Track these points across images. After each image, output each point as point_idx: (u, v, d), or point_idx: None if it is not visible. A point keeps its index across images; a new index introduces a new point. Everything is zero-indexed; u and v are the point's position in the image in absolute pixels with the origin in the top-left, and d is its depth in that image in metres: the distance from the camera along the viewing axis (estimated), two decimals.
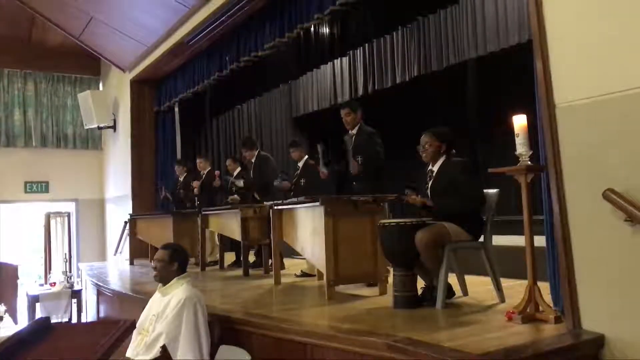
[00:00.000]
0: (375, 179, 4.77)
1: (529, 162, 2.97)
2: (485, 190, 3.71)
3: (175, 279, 3.50)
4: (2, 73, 10.57)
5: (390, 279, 3.80)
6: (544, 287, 3.03)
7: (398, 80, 8.13)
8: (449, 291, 3.66)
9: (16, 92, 10.68)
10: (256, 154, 6.59)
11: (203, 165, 7.62)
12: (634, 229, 2.50)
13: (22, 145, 10.65)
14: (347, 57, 9.27)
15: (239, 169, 7.00)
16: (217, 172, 7.21)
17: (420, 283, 3.68)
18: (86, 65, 11.10)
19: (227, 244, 6.87)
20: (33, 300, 7.31)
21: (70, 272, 8.19)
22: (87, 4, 8.16)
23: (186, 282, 3.51)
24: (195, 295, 3.41)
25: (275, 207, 4.98)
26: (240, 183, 6.57)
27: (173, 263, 3.51)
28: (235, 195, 6.62)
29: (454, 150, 3.74)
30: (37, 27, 10.35)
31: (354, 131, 4.96)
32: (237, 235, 5.92)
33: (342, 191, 5.13)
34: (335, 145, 5.27)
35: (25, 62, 10.68)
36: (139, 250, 8.31)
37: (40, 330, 2.10)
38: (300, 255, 5.16)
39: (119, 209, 10.19)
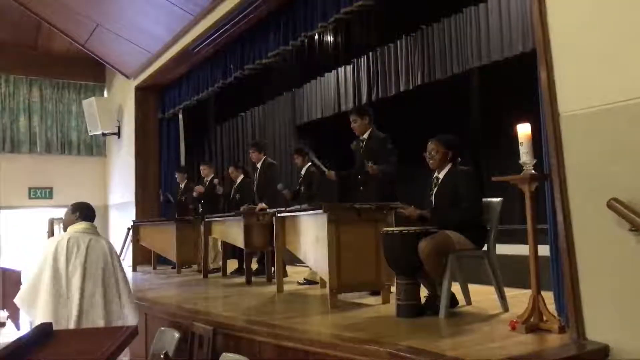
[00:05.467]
0: (386, 185, 4.71)
1: (533, 171, 2.97)
2: (488, 199, 3.71)
3: None
4: (7, 79, 10.64)
5: (394, 288, 3.79)
6: (548, 296, 3.02)
7: (402, 89, 8.14)
8: (453, 300, 3.64)
9: (21, 99, 10.74)
10: (263, 159, 6.58)
11: (207, 172, 7.64)
12: (639, 238, 2.49)
13: (26, 152, 10.69)
14: (351, 66, 9.30)
15: (241, 176, 7.01)
16: (216, 180, 7.23)
17: (424, 292, 3.67)
18: (91, 72, 11.15)
19: (230, 251, 6.87)
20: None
21: None
22: (93, 11, 8.21)
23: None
24: (51, 242, 3.66)
25: (278, 215, 4.98)
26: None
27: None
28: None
29: (459, 159, 3.74)
30: (42, 34, 10.43)
31: (365, 136, 4.94)
32: (240, 242, 5.91)
33: (347, 197, 5.11)
34: (339, 153, 5.27)
35: (30, 68, 10.75)
36: (142, 256, 8.32)
37: (42, 336, 2.10)
38: (303, 263, 5.15)
39: (122, 216, 10.21)
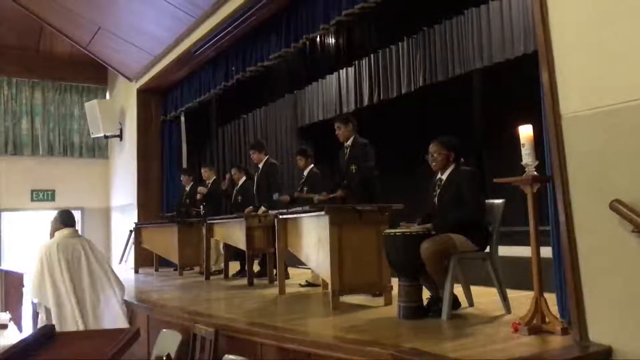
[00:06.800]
0: (365, 189, 4.90)
1: (535, 173, 2.97)
2: (491, 201, 3.71)
3: None
4: (10, 82, 10.66)
5: (396, 289, 3.79)
6: (551, 298, 3.01)
7: (403, 91, 8.13)
8: (455, 302, 3.64)
9: (24, 101, 10.77)
10: (264, 159, 6.56)
11: (208, 175, 7.63)
12: None
13: (29, 154, 10.72)
14: (353, 67, 9.29)
15: (244, 177, 7.01)
16: (227, 175, 7.23)
17: (426, 293, 3.67)
18: (93, 74, 11.18)
19: (232, 253, 6.87)
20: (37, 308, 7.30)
21: None
22: (95, 14, 8.23)
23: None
24: (45, 246, 4.27)
25: (280, 216, 4.98)
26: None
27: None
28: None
29: (462, 159, 3.74)
30: (45, 37, 10.46)
31: (349, 142, 5.16)
32: (241, 244, 5.91)
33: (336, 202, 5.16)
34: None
35: (33, 71, 10.78)
36: (144, 259, 8.32)
37: (45, 338, 2.10)
38: (305, 265, 5.15)
39: (124, 218, 10.22)
